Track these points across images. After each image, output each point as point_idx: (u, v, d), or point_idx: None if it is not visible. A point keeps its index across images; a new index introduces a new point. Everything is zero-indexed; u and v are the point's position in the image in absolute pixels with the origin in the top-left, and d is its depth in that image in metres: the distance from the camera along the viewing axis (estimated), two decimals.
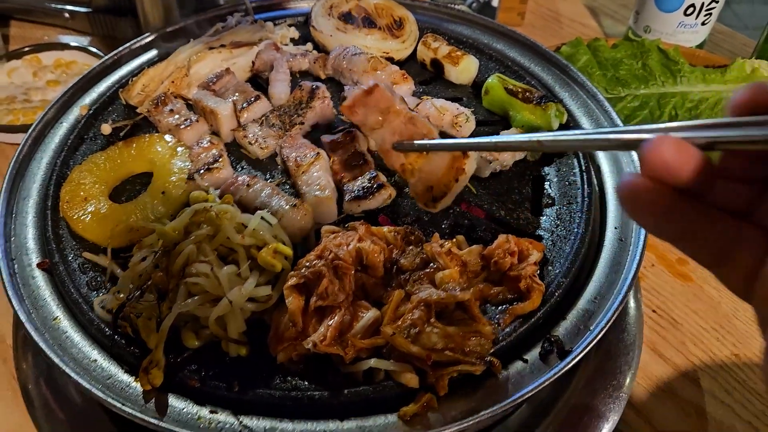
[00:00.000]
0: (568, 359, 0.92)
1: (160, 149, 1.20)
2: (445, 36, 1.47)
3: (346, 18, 1.46)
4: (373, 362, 0.90)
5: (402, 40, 1.44)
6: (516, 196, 1.17)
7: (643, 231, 1.08)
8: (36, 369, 1.20)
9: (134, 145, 1.21)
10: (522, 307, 0.98)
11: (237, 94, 1.26)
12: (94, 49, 1.81)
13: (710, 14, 1.77)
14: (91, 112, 1.30)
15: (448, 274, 0.96)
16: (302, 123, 1.19)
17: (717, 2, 1.75)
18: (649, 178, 0.51)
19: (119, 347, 0.95)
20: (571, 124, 1.28)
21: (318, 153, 1.12)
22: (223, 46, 1.39)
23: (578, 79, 1.36)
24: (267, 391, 0.90)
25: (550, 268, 1.05)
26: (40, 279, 1.06)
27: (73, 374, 0.91)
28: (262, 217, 1.00)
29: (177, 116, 1.23)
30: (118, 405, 0.88)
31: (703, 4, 1.73)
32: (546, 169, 1.22)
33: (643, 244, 1.05)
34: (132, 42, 1.46)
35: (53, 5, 1.99)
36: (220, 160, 1.13)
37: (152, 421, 0.87)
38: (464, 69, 1.37)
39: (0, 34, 1.98)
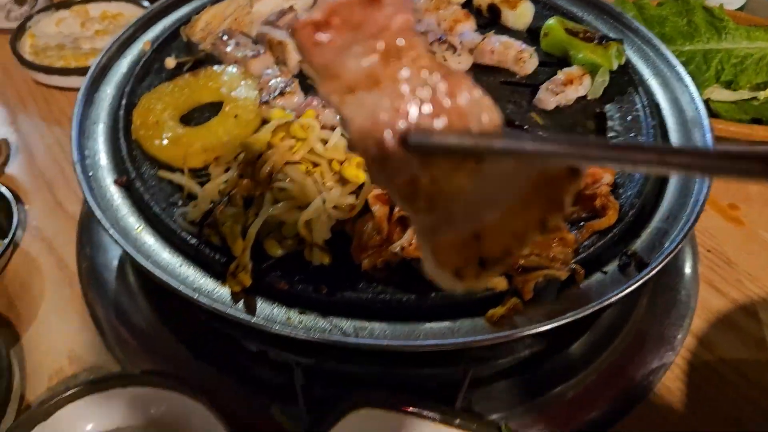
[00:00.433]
0: (646, 270, 0.94)
1: (227, 78, 1.21)
2: None
3: None
4: None
5: None
6: (580, 130, 1.19)
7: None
8: (102, 298, 1.22)
9: (201, 75, 1.22)
10: (599, 223, 1.00)
11: None
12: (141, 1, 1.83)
13: None
14: (154, 47, 1.32)
15: None
16: None
17: None
18: None
19: (205, 255, 0.96)
20: (629, 68, 1.30)
21: None
22: None
23: (632, 26, 1.38)
24: (354, 294, 0.92)
25: (621, 191, 1.07)
26: (117, 196, 1.07)
27: (162, 276, 0.93)
28: (342, 134, 1.02)
29: (243, 48, 1.24)
30: (209, 303, 0.89)
31: None
32: (608, 106, 1.24)
33: (708, 185, 1.08)
34: None
35: None
36: (292, 85, 1.15)
37: (244, 317, 0.88)
38: (521, 13, 1.38)
39: None
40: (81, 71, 1.56)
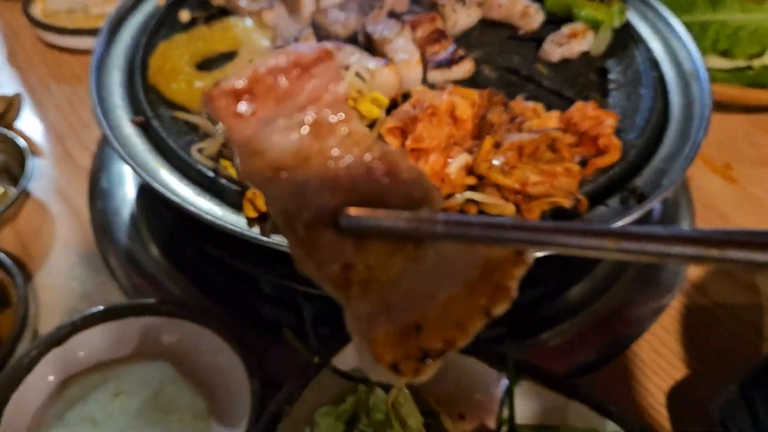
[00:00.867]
0: (646, 202, 0.98)
1: (242, 29, 1.24)
2: None
3: None
4: (468, 194, 0.95)
5: None
6: (583, 80, 1.23)
7: (707, 107, 1.14)
8: (114, 246, 1.24)
9: (217, 27, 1.26)
10: (602, 159, 1.04)
11: None
12: None
13: None
14: (169, 2, 1.35)
15: (537, 121, 1.02)
16: (380, 8, 1.25)
17: None
18: None
19: (221, 187, 0.99)
20: (630, 27, 1.34)
21: (403, 25, 1.17)
22: None
23: None
24: None
25: (622, 134, 1.11)
26: (134, 135, 1.09)
27: (182, 203, 0.96)
28: (357, 73, 1.05)
29: (257, 1, 1.28)
30: (229, 226, 0.93)
31: None
32: (609, 61, 1.28)
33: (708, 116, 1.12)
34: None
35: None
36: (305, 32, 1.18)
37: (261, 238, 0.91)
38: None
39: None
40: (92, 32, 1.59)
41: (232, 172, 1.00)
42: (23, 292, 1.05)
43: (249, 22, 1.26)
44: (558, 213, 0.96)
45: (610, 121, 1.08)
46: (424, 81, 1.15)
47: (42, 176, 1.36)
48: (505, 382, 0.90)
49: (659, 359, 1.11)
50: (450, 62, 1.13)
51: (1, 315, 1.07)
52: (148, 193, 1.24)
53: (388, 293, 0.45)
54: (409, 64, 1.10)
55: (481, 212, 0.96)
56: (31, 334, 1.08)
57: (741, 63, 1.60)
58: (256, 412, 0.89)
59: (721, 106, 1.59)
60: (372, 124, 1.03)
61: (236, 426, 0.91)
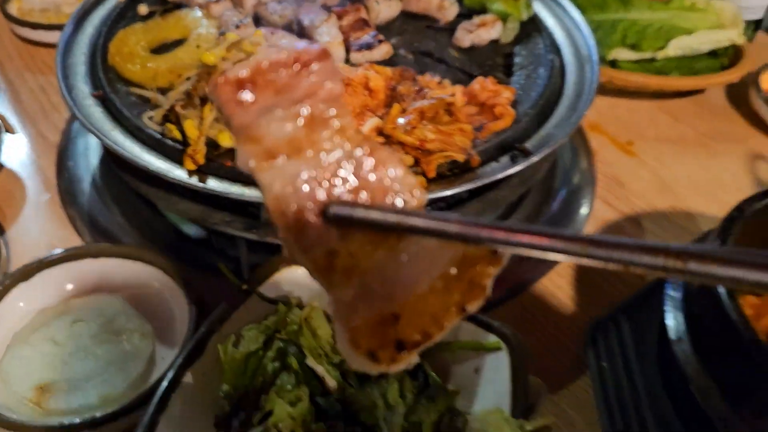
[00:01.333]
0: (532, 157, 1.16)
1: (192, 19, 1.42)
2: None
3: None
4: None
5: None
6: (491, 63, 1.41)
7: (594, 83, 1.32)
8: (79, 208, 1.40)
9: (170, 17, 1.43)
10: (495, 124, 1.21)
11: None
12: None
13: None
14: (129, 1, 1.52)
15: (440, 92, 1.19)
16: (313, 1, 1.42)
17: None
18: None
19: (166, 146, 1.15)
20: (537, 19, 1.53)
21: (330, 14, 1.34)
22: None
23: None
24: None
25: (519, 105, 1.29)
26: (94, 107, 1.26)
27: (131, 157, 1.12)
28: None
29: None
30: (170, 175, 1.09)
31: None
32: (516, 48, 1.46)
33: (593, 91, 1.30)
34: None
35: None
36: (246, 20, 1.36)
37: (198, 185, 1.08)
38: None
39: None
40: (62, 27, 1.74)
41: (176, 134, 1.17)
42: None
43: (198, 13, 1.43)
44: (454, 166, 1.14)
45: (506, 94, 1.26)
46: (348, 62, 1.32)
47: (16, 152, 1.52)
48: None
49: (552, 299, 1.28)
50: (370, 45, 1.31)
51: None
52: (108, 160, 1.40)
53: (370, 282, 0.48)
54: (332, 45, 1.28)
55: None
56: (1, 275, 1.23)
57: (647, 55, 1.79)
58: (193, 333, 1.05)
59: (630, 93, 1.78)
60: None
61: (177, 344, 1.07)
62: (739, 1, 1.87)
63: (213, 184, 1.10)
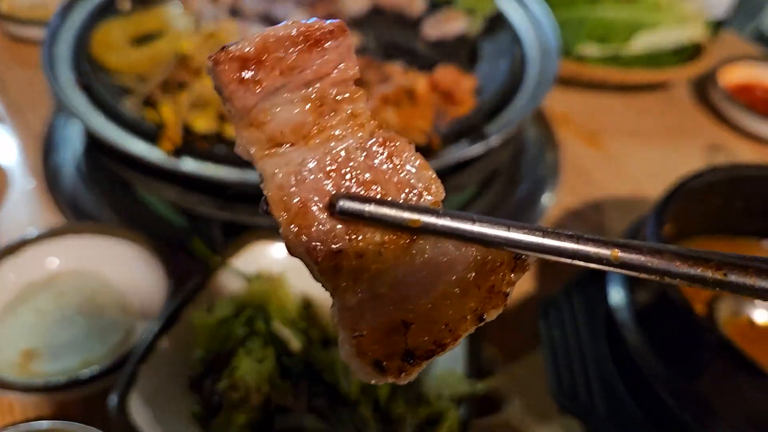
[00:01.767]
0: (488, 139, 1.23)
1: (171, 13, 1.49)
2: None
3: None
4: None
5: None
6: (456, 55, 1.49)
7: (553, 73, 1.40)
8: (62, 192, 1.46)
9: (151, 11, 1.50)
10: (455, 110, 1.29)
11: None
12: None
13: None
14: None
15: (403, 79, 1.26)
16: None
17: None
18: None
19: (144, 128, 1.22)
20: (503, 15, 1.60)
21: (300, 7, 1.42)
22: None
23: None
24: None
25: (482, 94, 1.36)
26: (78, 94, 1.32)
27: (112, 140, 1.18)
28: None
29: None
30: (147, 157, 1.16)
31: None
32: (482, 42, 1.54)
33: (552, 81, 1.37)
34: None
35: None
36: (223, 16, 1.43)
37: (173, 166, 1.15)
38: None
39: None
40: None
41: (155, 118, 1.23)
42: None
43: (178, 8, 1.51)
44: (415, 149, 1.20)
45: (467, 82, 1.33)
46: None
47: (3, 142, 1.58)
48: None
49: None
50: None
51: None
52: (90, 147, 1.47)
53: (378, 285, 0.44)
54: None
55: None
56: None
57: (613, 50, 1.87)
58: (169, 304, 1.11)
59: (597, 88, 1.86)
60: None
61: (155, 317, 1.13)
62: None
63: (189, 164, 1.16)
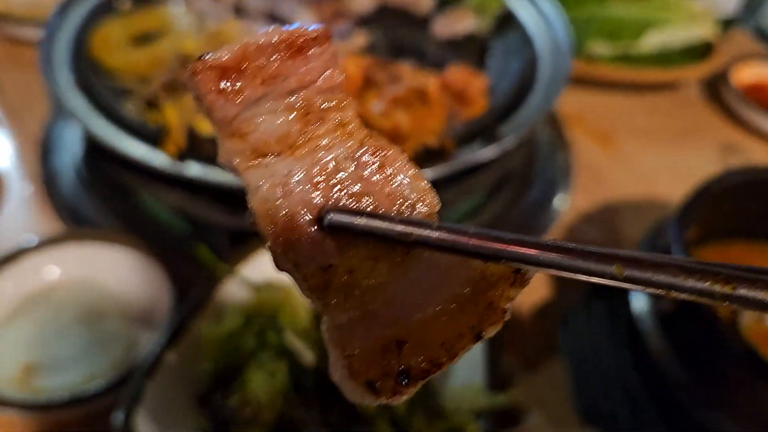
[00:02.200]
0: (502, 141, 1.19)
1: (172, 12, 1.45)
2: None
3: None
4: None
5: None
6: (465, 53, 1.45)
7: (566, 74, 1.36)
8: (60, 197, 1.42)
9: (151, 11, 1.46)
10: (467, 111, 1.25)
11: None
12: None
13: None
14: None
15: (413, 80, 1.23)
16: None
17: None
18: None
19: (147, 131, 1.18)
20: (514, 13, 1.57)
21: (307, 6, 1.38)
22: None
23: None
24: None
25: (494, 94, 1.32)
26: (77, 96, 1.28)
27: (114, 144, 1.14)
28: None
29: None
30: (150, 162, 1.12)
31: None
32: (492, 41, 1.50)
33: (564, 81, 1.34)
34: None
35: None
36: (226, 15, 1.39)
37: (177, 171, 1.11)
38: None
39: None
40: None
41: (158, 121, 1.19)
42: None
43: (180, 7, 1.46)
44: (428, 151, 1.17)
45: (478, 82, 1.29)
46: None
47: (1, 147, 1.54)
48: None
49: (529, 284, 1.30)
50: (346, 35, 1.34)
51: None
52: (90, 151, 1.42)
53: (370, 302, 0.42)
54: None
55: None
56: None
57: (623, 48, 1.83)
58: (173, 314, 1.07)
59: (608, 89, 1.83)
60: None
61: (158, 326, 1.09)
62: None
63: (194, 169, 1.12)
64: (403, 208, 0.43)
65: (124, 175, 1.22)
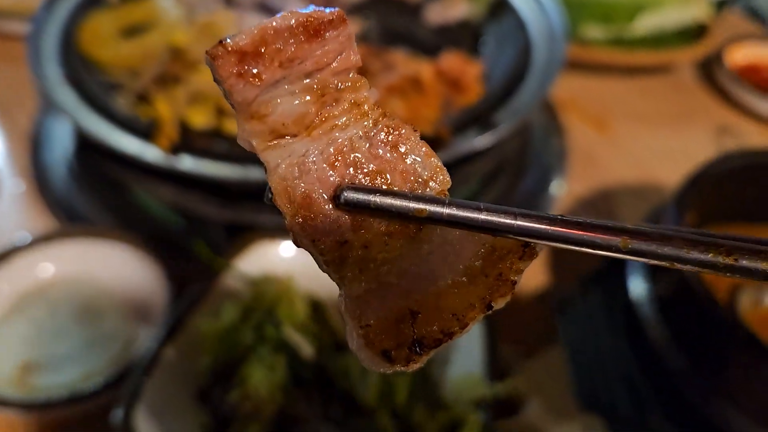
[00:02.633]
0: (496, 129, 1.18)
1: (162, 4, 1.43)
2: None
3: None
4: None
5: None
6: (459, 40, 1.44)
7: (560, 57, 1.35)
8: (53, 193, 1.41)
9: (139, 2, 1.44)
10: (462, 98, 1.24)
11: None
12: None
13: None
14: None
15: (407, 68, 1.21)
16: None
17: None
18: None
19: (139, 125, 1.16)
20: (507, 2, 1.55)
21: None
22: None
23: None
24: None
25: (489, 81, 1.31)
26: (67, 91, 1.26)
27: (105, 140, 1.13)
28: None
29: None
30: (143, 156, 1.10)
31: None
32: (486, 28, 1.49)
33: (559, 67, 1.33)
34: None
35: None
36: (216, 4, 1.37)
37: (171, 165, 1.09)
38: None
39: None
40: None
41: (149, 114, 1.18)
42: None
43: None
44: (423, 140, 1.15)
45: (473, 69, 1.28)
46: None
47: None
48: None
49: (525, 272, 1.30)
50: None
51: None
52: (82, 146, 1.41)
53: (385, 275, 0.44)
54: None
55: None
56: None
57: (616, 31, 1.82)
58: (171, 309, 1.06)
59: (602, 73, 1.82)
60: None
61: (155, 322, 1.08)
62: None
63: (187, 163, 1.11)
64: (416, 185, 0.45)
65: (116, 170, 1.21)
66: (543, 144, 1.58)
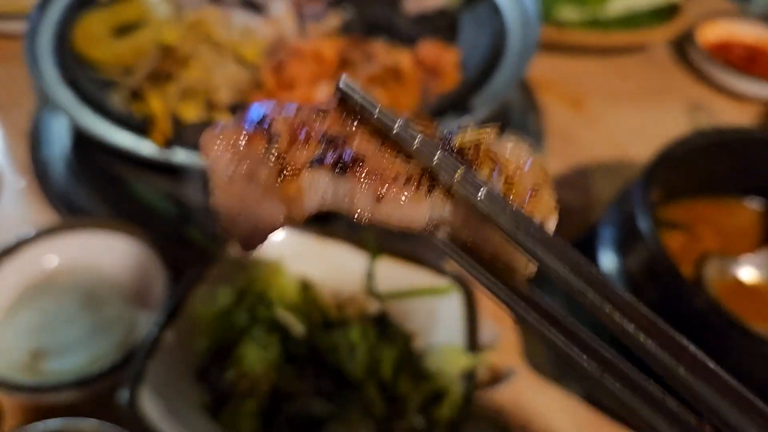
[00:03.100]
0: (474, 112, 1.24)
1: (152, 3, 1.48)
2: None
3: None
4: None
5: None
6: (437, 29, 1.49)
7: (534, 40, 1.41)
8: (53, 188, 1.47)
9: (130, 1, 1.49)
10: (440, 85, 1.30)
11: None
12: None
13: None
14: None
15: (388, 57, 1.27)
16: None
17: None
18: None
19: (133, 121, 1.22)
20: None
21: None
22: None
23: None
24: None
25: (465, 67, 1.37)
26: (63, 89, 1.32)
27: (102, 136, 1.19)
28: (245, 28, 1.30)
29: None
30: (138, 151, 1.16)
31: None
32: (463, 15, 1.54)
33: (533, 50, 1.39)
34: None
35: None
36: (203, 4, 1.42)
37: (165, 158, 1.16)
38: None
39: None
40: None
41: (143, 110, 1.24)
42: None
43: None
44: None
45: (450, 56, 1.34)
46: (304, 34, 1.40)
47: None
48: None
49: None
50: (321, 15, 1.38)
51: None
52: (79, 142, 1.47)
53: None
54: (284, 19, 1.35)
55: None
56: None
57: (590, 15, 1.87)
58: (169, 295, 1.13)
59: (578, 53, 1.87)
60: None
61: (155, 308, 1.15)
62: None
63: (181, 156, 1.17)
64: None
65: (113, 165, 1.27)
66: (521, 124, 1.64)
